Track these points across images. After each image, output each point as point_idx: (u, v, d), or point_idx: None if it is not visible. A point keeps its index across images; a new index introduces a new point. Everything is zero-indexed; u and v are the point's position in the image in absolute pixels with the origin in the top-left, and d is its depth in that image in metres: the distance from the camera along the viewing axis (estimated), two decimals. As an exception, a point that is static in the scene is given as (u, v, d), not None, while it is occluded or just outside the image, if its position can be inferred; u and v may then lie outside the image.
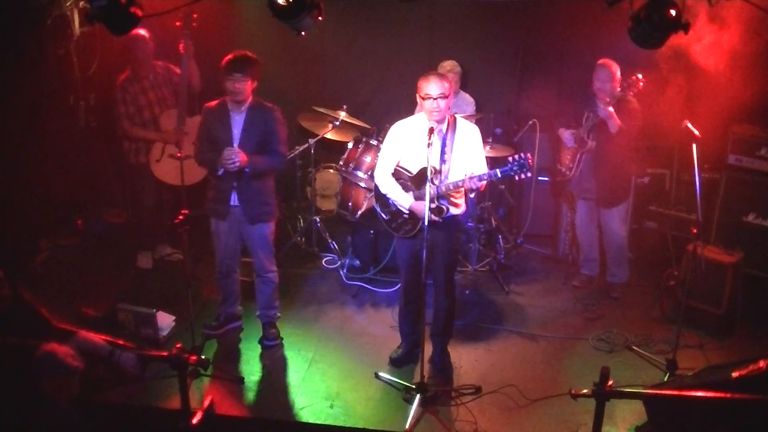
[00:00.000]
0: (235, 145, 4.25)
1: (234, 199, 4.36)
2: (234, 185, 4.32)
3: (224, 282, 4.64)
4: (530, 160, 3.76)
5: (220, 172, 4.25)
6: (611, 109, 4.80)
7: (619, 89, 4.84)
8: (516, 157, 3.78)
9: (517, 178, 3.82)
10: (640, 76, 4.76)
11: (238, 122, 4.30)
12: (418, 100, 4.02)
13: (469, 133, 4.07)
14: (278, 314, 4.71)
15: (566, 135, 5.16)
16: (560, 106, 5.53)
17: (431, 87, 3.87)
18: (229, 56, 4.18)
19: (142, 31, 5.05)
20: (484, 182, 3.93)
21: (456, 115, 4.18)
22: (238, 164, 4.15)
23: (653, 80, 4.92)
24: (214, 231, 4.51)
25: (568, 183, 5.29)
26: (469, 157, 4.06)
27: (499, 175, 3.85)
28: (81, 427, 3.34)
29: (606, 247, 5.36)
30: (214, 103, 4.40)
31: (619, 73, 4.85)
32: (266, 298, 4.62)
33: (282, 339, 4.70)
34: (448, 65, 5.50)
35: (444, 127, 4.02)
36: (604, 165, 5.02)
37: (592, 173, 5.10)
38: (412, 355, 4.46)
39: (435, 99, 3.87)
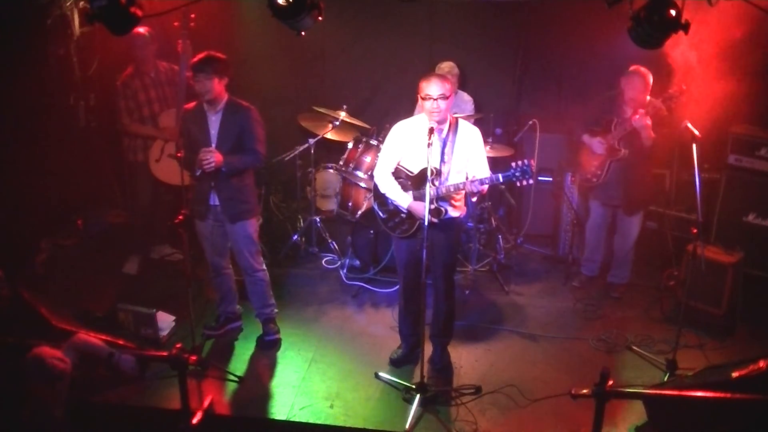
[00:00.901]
0: (213, 145, 4.27)
1: (213, 199, 4.38)
2: (212, 185, 4.34)
3: (218, 280, 4.65)
4: (533, 167, 3.76)
5: (197, 173, 4.26)
6: (649, 121, 4.69)
7: (660, 100, 4.67)
8: (519, 162, 3.78)
9: (518, 184, 3.82)
10: (684, 87, 4.57)
11: (214, 122, 4.31)
12: (419, 100, 4.01)
13: (470, 135, 4.07)
14: (276, 310, 4.72)
15: (594, 143, 5.05)
16: (579, 109, 5.42)
17: (432, 87, 3.86)
18: (193, 59, 4.20)
19: (142, 29, 5.05)
20: (486, 186, 3.93)
21: (458, 117, 4.18)
22: (213, 164, 4.17)
23: (654, 80, 4.91)
24: (199, 231, 4.53)
25: (592, 188, 5.25)
26: (470, 159, 4.06)
27: (501, 180, 3.85)
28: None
29: (617, 249, 5.35)
30: (191, 104, 4.42)
31: (651, 81, 4.74)
32: (260, 298, 4.63)
33: (281, 339, 4.70)
34: (446, 66, 5.50)
35: (445, 128, 4.02)
36: (634, 173, 4.98)
37: (620, 180, 5.03)
38: (412, 356, 4.47)
39: (435, 100, 3.86)
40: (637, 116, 4.71)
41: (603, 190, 5.17)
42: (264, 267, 4.62)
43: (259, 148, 4.37)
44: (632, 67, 4.81)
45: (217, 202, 4.38)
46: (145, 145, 5.35)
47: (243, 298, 4.80)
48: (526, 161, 3.77)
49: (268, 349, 4.65)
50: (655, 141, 4.78)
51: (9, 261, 4.51)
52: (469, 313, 5.10)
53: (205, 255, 4.63)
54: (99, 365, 3.98)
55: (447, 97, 3.89)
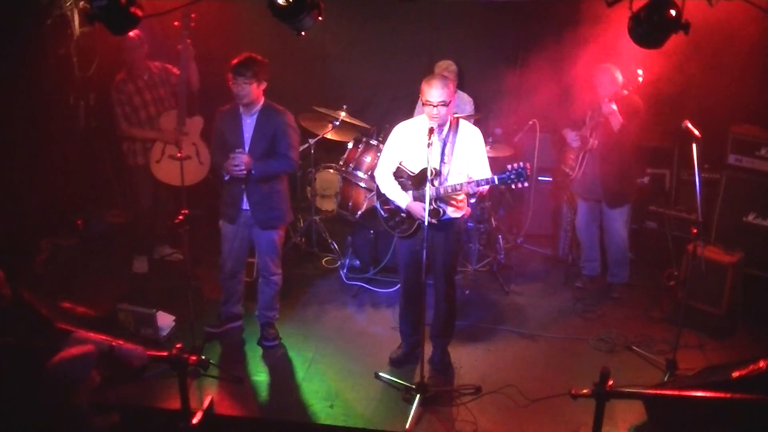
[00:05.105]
0: (246, 148, 4.24)
1: (245, 203, 4.36)
2: (243, 188, 4.32)
3: (229, 283, 4.63)
4: (528, 170, 3.76)
5: (226, 178, 4.25)
6: (614, 106, 4.76)
7: (622, 90, 4.79)
8: (515, 165, 3.77)
9: (514, 186, 3.81)
10: (640, 71, 4.70)
11: (248, 126, 4.28)
12: (420, 102, 4.02)
13: (470, 136, 4.07)
14: (277, 316, 4.71)
15: (571, 136, 5.14)
16: (565, 108, 5.46)
17: (432, 94, 3.85)
18: (234, 60, 4.17)
19: (132, 32, 5.02)
20: (483, 187, 3.93)
21: (459, 118, 4.18)
22: (243, 168, 4.15)
23: (654, 80, 4.92)
24: (224, 234, 4.50)
25: (571, 183, 5.29)
26: (471, 160, 4.06)
27: (497, 182, 3.84)
28: (96, 425, 3.29)
29: (607, 248, 5.36)
30: (226, 106, 4.38)
31: (620, 75, 4.83)
32: (267, 300, 4.61)
33: (281, 339, 4.70)
34: (443, 64, 5.50)
35: (445, 128, 4.02)
36: (609, 165, 4.99)
37: (597, 174, 5.07)
38: (412, 356, 4.47)
39: (435, 106, 3.86)
40: (604, 104, 4.79)
41: (581, 184, 5.20)
42: (280, 272, 4.59)
43: (292, 154, 4.34)
44: (600, 65, 4.90)
45: (248, 207, 4.35)
46: (144, 148, 5.32)
47: (248, 299, 4.80)
48: (521, 163, 3.77)
49: (266, 351, 4.65)
50: (625, 128, 4.80)
51: (9, 261, 4.50)
52: (469, 313, 5.10)
53: (221, 255, 4.57)
54: (100, 362, 3.96)
55: (447, 104, 3.88)
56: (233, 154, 4.16)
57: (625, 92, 4.85)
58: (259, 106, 4.27)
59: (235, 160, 4.14)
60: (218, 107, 4.44)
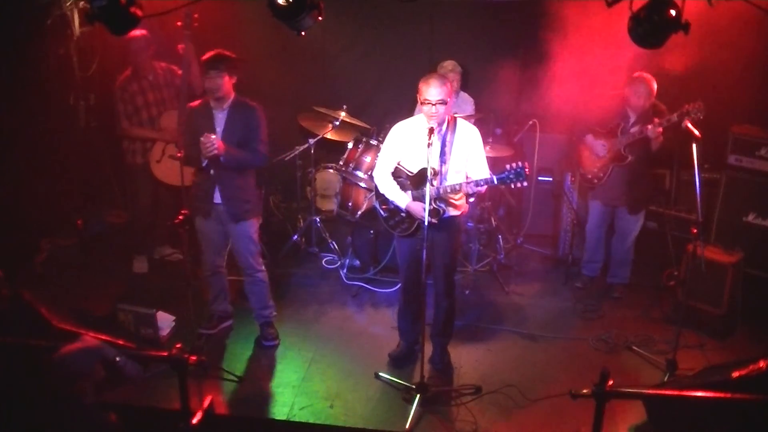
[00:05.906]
0: None
1: (217, 197, 4.38)
2: (214, 181, 4.34)
3: (213, 279, 4.66)
4: (527, 169, 3.76)
5: (204, 164, 4.26)
6: (660, 129, 4.67)
7: (676, 114, 4.56)
8: (513, 165, 3.77)
9: (513, 186, 3.81)
10: (701, 104, 4.45)
11: (220, 120, 4.32)
12: (418, 102, 4.02)
13: (468, 135, 4.07)
14: (274, 313, 4.71)
15: (598, 145, 5.07)
16: (577, 109, 5.37)
17: (431, 92, 3.85)
18: (204, 56, 4.22)
19: (139, 32, 5.03)
20: (482, 188, 3.93)
21: (456, 116, 4.18)
22: (216, 149, 4.12)
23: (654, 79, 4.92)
24: (199, 229, 4.53)
25: (593, 188, 5.25)
26: (469, 159, 4.06)
27: (495, 182, 3.84)
28: (103, 420, 3.28)
29: (615, 249, 5.35)
30: (197, 102, 4.43)
31: (655, 87, 4.76)
32: (260, 299, 4.62)
33: (281, 339, 4.70)
34: (449, 65, 5.49)
35: (443, 127, 4.02)
36: (636, 174, 5.00)
37: (622, 182, 5.04)
38: (411, 353, 4.47)
39: (434, 105, 3.86)
40: (650, 126, 4.69)
41: (604, 190, 5.17)
42: (263, 268, 4.62)
43: (262, 148, 4.36)
44: (636, 74, 4.81)
45: (220, 201, 4.38)
46: (144, 148, 5.33)
47: (244, 299, 4.80)
48: (519, 163, 3.77)
49: (266, 350, 4.65)
50: (662, 146, 4.81)
51: (9, 261, 4.51)
52: (469, 313, 5.10)
53: (202, 253, 4.62)
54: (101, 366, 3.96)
55: (445, 102, 3.88)
56: (205, 135, 4.14)
57: (678, 120, 4.54)
58: (230, 101, 4.30)
59: (207, 141, 4.11)
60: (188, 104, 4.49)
